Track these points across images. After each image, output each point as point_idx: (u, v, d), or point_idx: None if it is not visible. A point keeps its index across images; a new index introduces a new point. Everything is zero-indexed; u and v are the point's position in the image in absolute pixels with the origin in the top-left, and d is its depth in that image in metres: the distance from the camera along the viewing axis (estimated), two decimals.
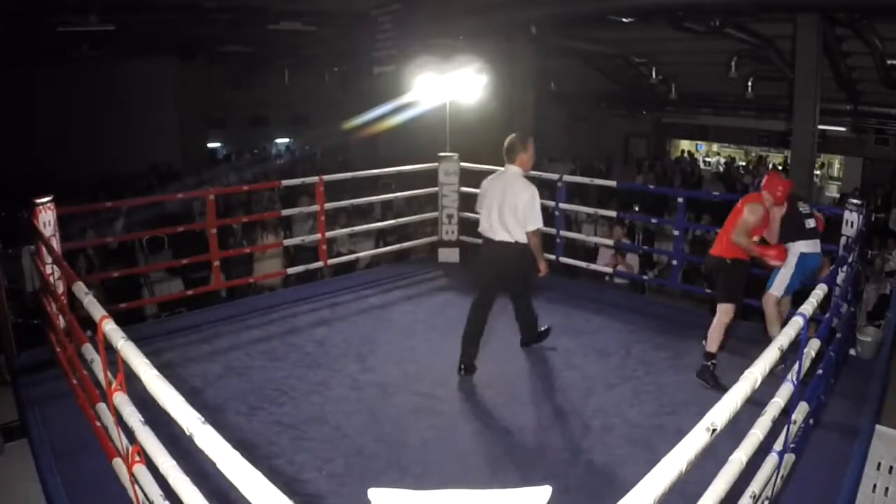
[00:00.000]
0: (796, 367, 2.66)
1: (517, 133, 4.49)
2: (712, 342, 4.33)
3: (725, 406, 1.87)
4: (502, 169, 4.43)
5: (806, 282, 4.49)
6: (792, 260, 4.49)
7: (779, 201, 4.48)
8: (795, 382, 2.63)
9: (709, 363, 4.28)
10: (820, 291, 2.92)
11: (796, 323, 2.52)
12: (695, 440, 1.70)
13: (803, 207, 4.54)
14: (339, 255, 7.02)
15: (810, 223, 4.52)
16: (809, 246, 4.48)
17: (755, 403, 2.22)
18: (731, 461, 2.06)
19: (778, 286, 4.49)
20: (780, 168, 16.18)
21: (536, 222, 4.22)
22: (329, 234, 6.22)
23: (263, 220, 7.87)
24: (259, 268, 7.58)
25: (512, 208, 4.20)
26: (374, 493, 1.34)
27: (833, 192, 16.13)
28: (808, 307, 2.69)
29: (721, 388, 4.02)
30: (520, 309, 4.71)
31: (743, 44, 10.89)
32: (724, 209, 4.74)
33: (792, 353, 2.55)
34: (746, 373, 2.09)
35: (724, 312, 4.33)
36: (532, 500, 1.32)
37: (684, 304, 7.09)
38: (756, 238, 4.45)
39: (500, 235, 4.28)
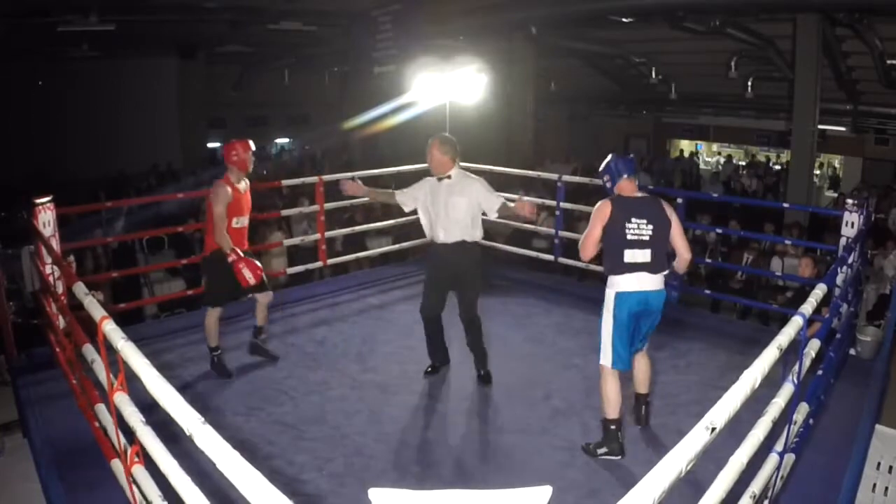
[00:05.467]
0: (796, 367, 2.66)
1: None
2: (209, 338, 4.31)
3: (725, 405, 1.87)
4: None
5: (637, 339, 3.40)
6: (608, 303, 3.30)
7: (241, 167, 4.13)
8: (795, 382, 2.63)
9: (212, 355, 4.36)
10: (819, 291, 2.92)
11: (796, 322, 2.52)
12: (695, 439, 1.70)
13: (634, 225, 3.20)
14: (338, 254, 7.03)
15: (635, 255, 3.19)
16: (632, 282, 3.24)
17: (755, 403, 2.22)
18: (731, 462, 2.06)
19: (605, 355, 3.33)
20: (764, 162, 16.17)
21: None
22: (328, 234, 6.22)
23: (268, 218, 7.87)
24: (264, 265, 7.58)
25: None
26: (374, 493, 1.34)
27: (831, 192, 16.13)
28: (808, 307, 2.69)
29: (226, 375, 4.30)
30: None
31: (743, 44, 10.91)
32: (724, 209, 4.72)
33: (792, 353, 2.55)
34: (745, 373, 2.09)
35: (208, 315, 4.31)
36: (532, 500, 1.31)
37: (683, 304, 7.09)
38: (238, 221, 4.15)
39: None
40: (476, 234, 4.11)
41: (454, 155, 4.08)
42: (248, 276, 4.03)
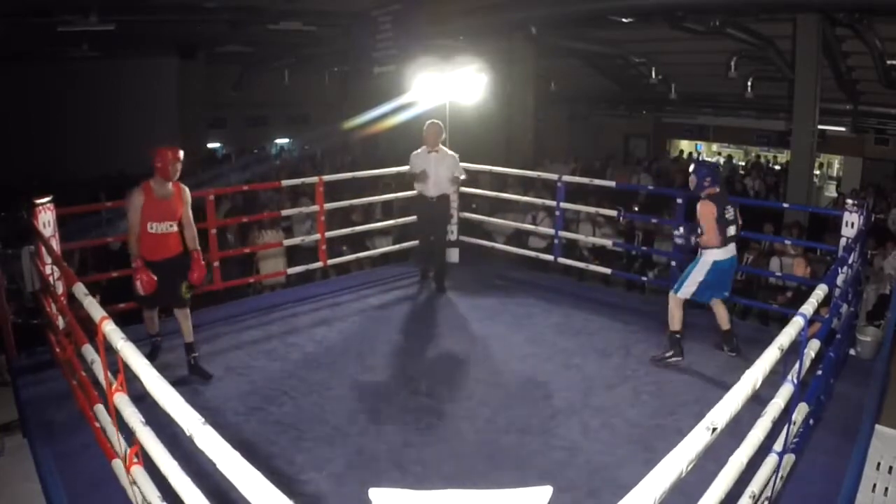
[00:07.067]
0: (796, 366, 2.66)
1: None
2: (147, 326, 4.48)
3: (726, 406, 1.87)
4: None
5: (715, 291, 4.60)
6: (704, 264, 4.55)
7: (162, 174, 4.06)
8: (795, 382, 2.63)
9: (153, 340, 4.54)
10: (820, 292, 2.92)
11: (797, 323, 2.52)
12: (695, 440, 1.70)
13: (728, 211, 4.54)
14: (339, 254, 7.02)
15: (731, 230, 4.55)
16: (726, 251, 4.57)
17: (756, 403, 2.22)
18: (731, 462, 2.06)
19: (686, 290, 4.56)
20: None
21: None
22: (329, 234, 6.22)
23: (263, 219, 7.85)
24: (263, 267, 7.59)
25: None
26: (374, 493, 1.34)
27: (832, 191, 16.13)
28: (808, 307, 2.69)
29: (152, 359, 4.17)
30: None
31: (743, 44, 10.90)
32: None
33: (792, 353, 2.55)
34: (746, 373, 2.09)
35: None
36: (532, 500, 1.31)
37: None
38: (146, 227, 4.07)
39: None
40: (450, 189, 6.10)
41: (442, 135, 5.94)
42: (139, 288, 4.06)
